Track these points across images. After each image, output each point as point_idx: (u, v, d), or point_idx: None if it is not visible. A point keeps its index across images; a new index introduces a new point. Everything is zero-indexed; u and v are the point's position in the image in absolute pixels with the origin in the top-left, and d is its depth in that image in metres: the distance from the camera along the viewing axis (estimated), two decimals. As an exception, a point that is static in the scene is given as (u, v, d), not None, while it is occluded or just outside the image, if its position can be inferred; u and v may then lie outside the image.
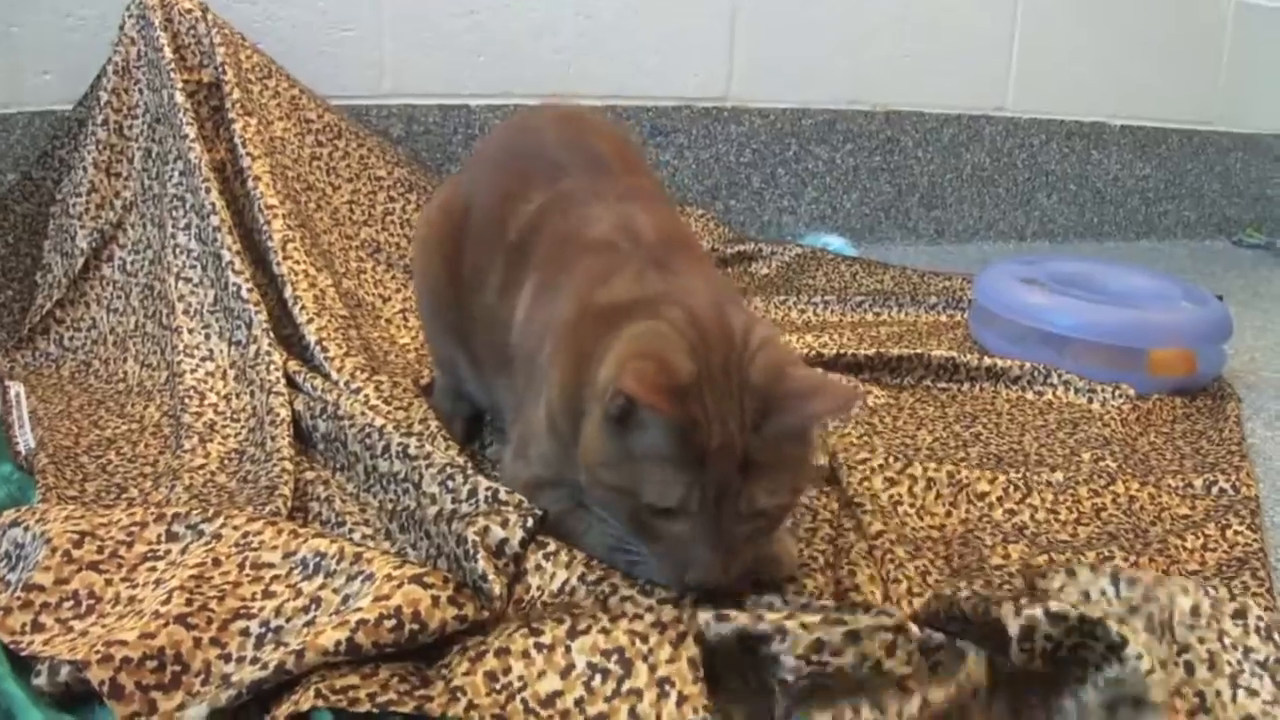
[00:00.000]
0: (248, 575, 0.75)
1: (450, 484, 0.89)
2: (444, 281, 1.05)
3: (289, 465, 0.97)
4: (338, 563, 0.76)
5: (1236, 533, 1.00)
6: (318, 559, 0.76)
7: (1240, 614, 0.75)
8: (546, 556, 0.81)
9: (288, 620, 0.72)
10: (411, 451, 0.93)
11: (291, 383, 1.11)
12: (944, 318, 1.68)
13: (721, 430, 0.74)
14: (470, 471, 0.91)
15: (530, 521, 0.83)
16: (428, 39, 1.82)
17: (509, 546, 0.81)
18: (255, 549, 0.77)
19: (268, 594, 0.74)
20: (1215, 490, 1.11)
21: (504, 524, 0.81)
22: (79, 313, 1.33)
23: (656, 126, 2.03)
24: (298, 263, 1.26)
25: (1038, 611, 0.69)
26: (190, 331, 1.22)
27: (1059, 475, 1.08)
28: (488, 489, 0.88)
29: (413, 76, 1.83)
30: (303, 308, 1.21)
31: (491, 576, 0.77)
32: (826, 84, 2.15)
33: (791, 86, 2.12)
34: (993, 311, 1.49)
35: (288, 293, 1.22)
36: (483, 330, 1.00)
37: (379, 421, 0.99)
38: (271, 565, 0.76)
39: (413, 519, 0.88)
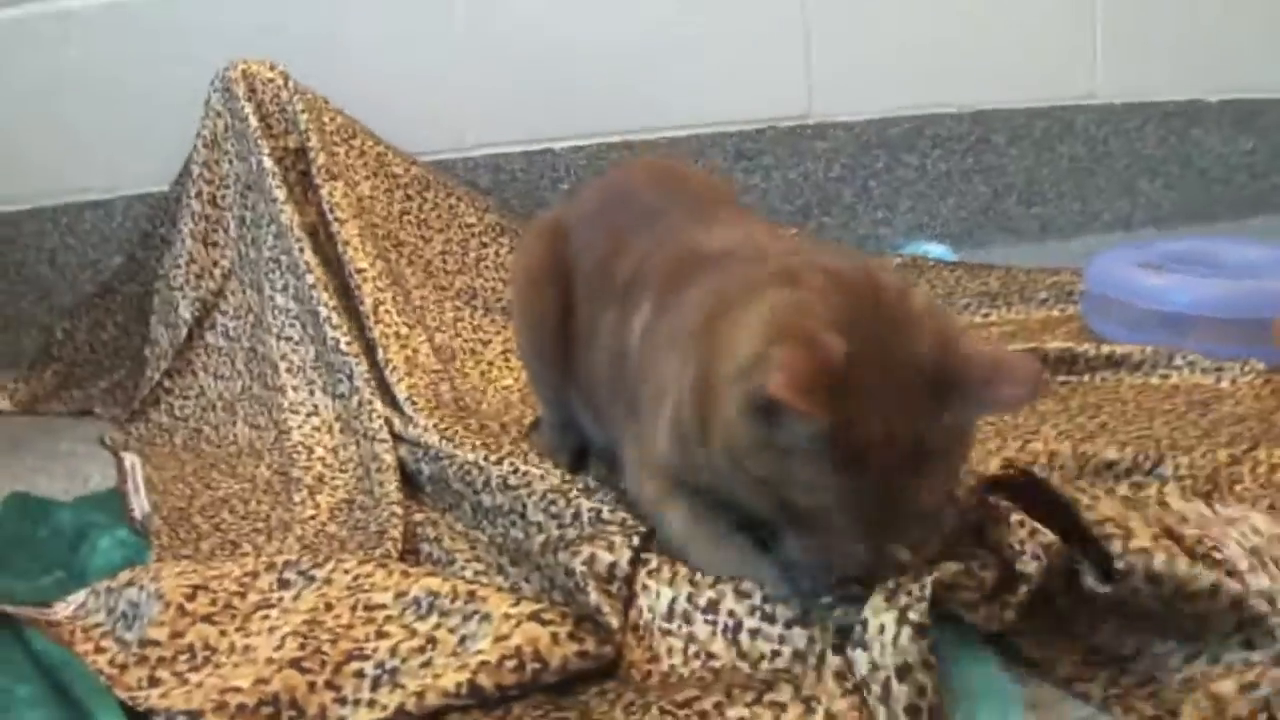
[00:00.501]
0: (360, 617, 0.74)
1: (554, 509, 0.88)
2: (549, 315, 1.03)
3: (398, 510, 0.97)
4: (451, 602, 0.74)
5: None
6: (431, 598, 0.75)
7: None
8: (650, 574, 0.78)
9: (403, 661, 0.71)
10: (512, 482, 0.92)
11: (393, 433, 1.11)
12: (1055, 312, 1.61)
13: (884, 423, 0.64)
14: (573, 494, 0.89)
15: (636, 539, 0.80)
16: (505, 86, 1.84)
17: (618, 570, 0.78)
18: (367, 590, 0.76)
19: (381, 635, 0.73)
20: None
21: (610, 547, 0.79)
22: (187, 381, 1.36)
23: (741, 151, 2.01)
24: (389, 325, 1.28)
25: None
26: (294, 389, 1.24)
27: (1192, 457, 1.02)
28: (590, 510, 0.86)
29: (494, 126, 1.85)
30: (394, 368, 1.21)
31: (606, 608, 0.75)
32: (908, 90, 2.11)
33: (873, 97, 2.09)
34: (1107, 298, 1.42)
35: (379, 356, 1.23)
36: (598, 365, 0.98)
37: (473, 457, 0.98)
38: (384, 606, 0.75)
39: (522, 551, 0.86)
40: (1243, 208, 2.40)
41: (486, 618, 0.71)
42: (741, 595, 0.76)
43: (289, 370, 1.26)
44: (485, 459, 0.97)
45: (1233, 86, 2.33)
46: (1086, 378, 1.31)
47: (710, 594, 0.77)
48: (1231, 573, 0.71)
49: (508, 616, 0.70)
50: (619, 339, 0.92)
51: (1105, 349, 1.31)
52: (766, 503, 0.71)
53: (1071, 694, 0.72)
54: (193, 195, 1.45)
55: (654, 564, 0.79)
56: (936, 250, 2.00)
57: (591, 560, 0.78)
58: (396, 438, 1.10)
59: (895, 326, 0.69)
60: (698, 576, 0.78)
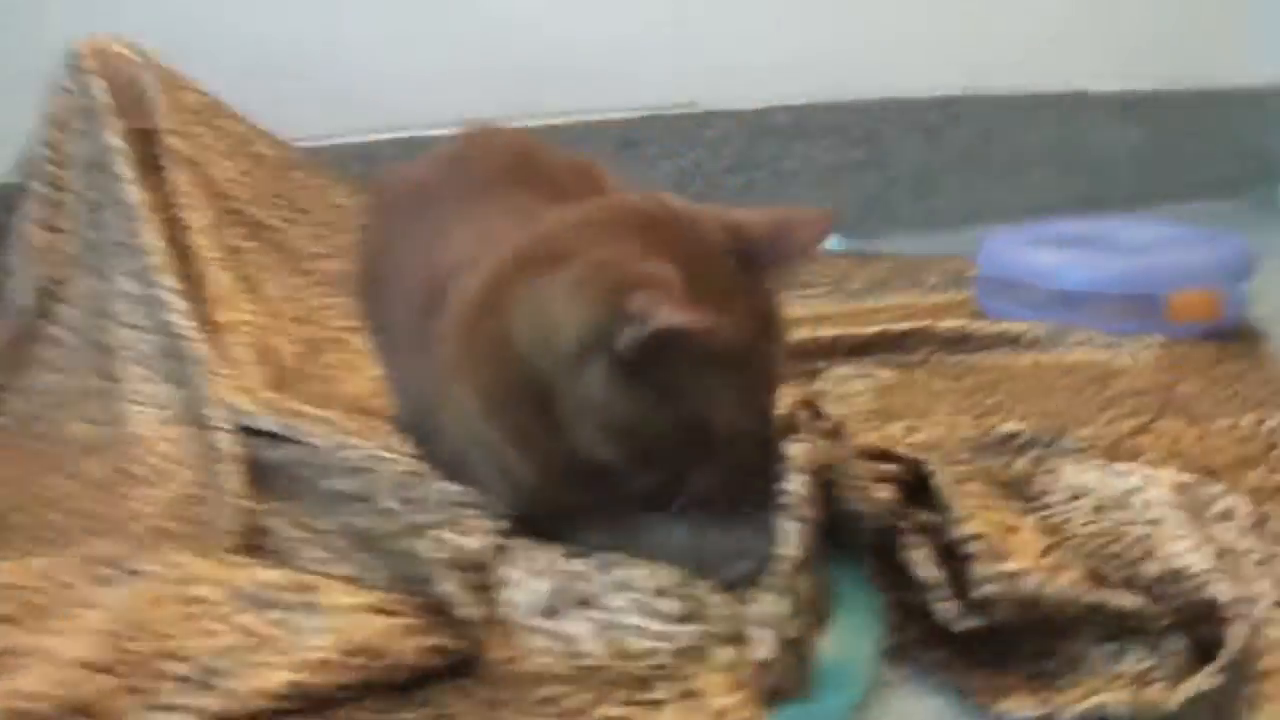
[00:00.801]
0: (180, 613, 0.65)
1: (406, 494, 0.80)
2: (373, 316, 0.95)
3: (240, 502, 0.87)
4: (283, 594, 0.66)
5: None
6: (260, 591, 0.66)
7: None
8: (515, 564, 0.71)
9: (226, 660, 0.62)
10: (362, 466, 0.84)
11: (240, 423, 1.02)
12: (947, 296, 1.58)
13: (747, 314, 0.67)
14: (429, 478, 0.81)
15: (498, 525, 0.73)
16: (377, 67, 1.75)
17: (477, 557, 0.71)
18: (190, 584, 0.67)
19: (203, 632, 0.64)
20: (1265, 429, 1.00)
21: (467, 533, 0.71)
22: (23, 377, 1.24)
23: (627, 139, 1.95)
24: (238, 313, 1.19)
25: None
26: (136, 379, 1.13)
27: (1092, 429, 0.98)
28: (445, 494, 0.78)
29: (370, 111, 1.75)
30: (237, 359, 1.13)
31: (463, 599, 0.67)
32: (797, 78, 2.07)
33: (761, 84, 2.04)
34: (1000, 279, 1.39)
35: (225, 342, 1.14)
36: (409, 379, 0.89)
37: (321, 443, 0.90)
38: (207, 600, 0.66)
39: (370, 539, 0.78)
40: (1132, 200, 2.42)
41: (323, 610, 0.63)
42: (622, 588, 0.69)
43: (132, 360, 1.15)
44: (336, 444, 0.89)
45: (1119, 76, 2.35)
46: (980, 356, 1.27)
47: (584, 586, 0.70)
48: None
49: (347, 608, 0.63)
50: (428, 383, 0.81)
51: (999, 327, 1.28)
52: (651, 464, 0.67)
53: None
54: (35, 178, 1.33)
55: (520, 553, 0.72)
56: (826, 241, 1.96)
57: (446, 546, 0.70)
58: (244, 428, 1.00)
59: (687, 235, 0.69)
60: (572, 565, 0.71)
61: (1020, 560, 0.66)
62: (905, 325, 1.31)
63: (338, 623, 0.62)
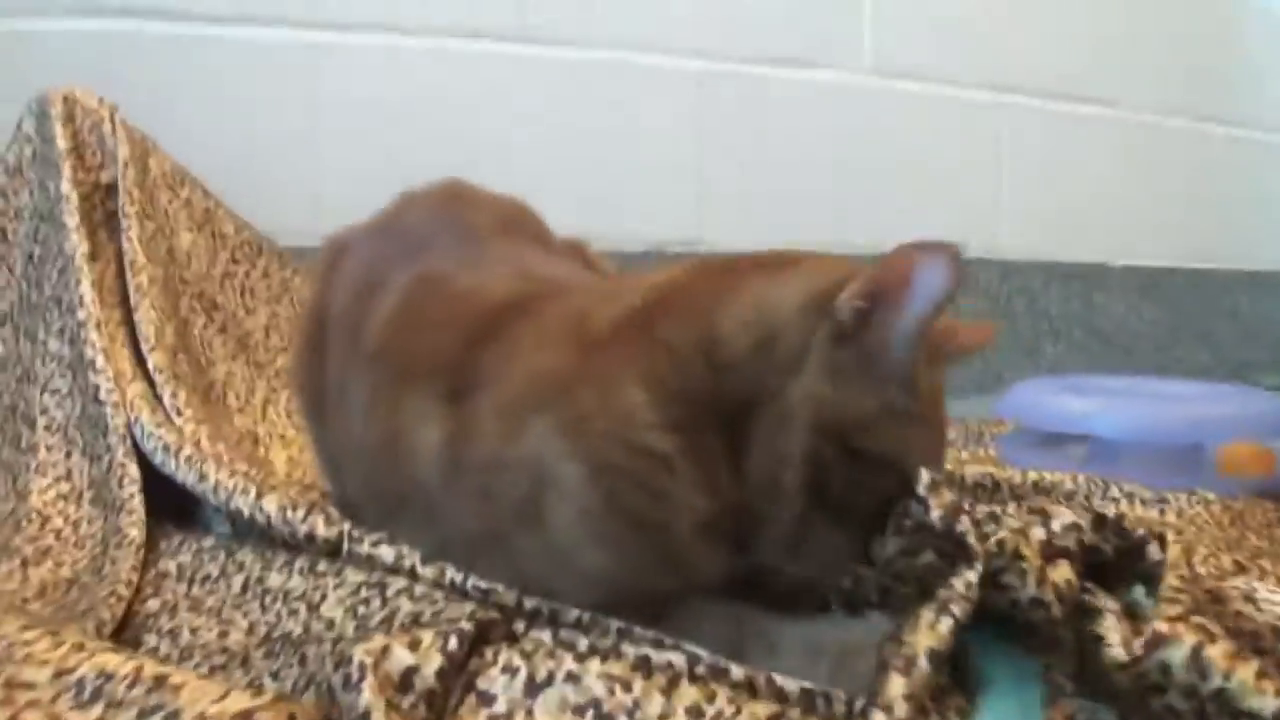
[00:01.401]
0: (-7, 697, 0.49)
1: (362, 608, 0.64)
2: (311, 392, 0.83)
3: (122, 590, 0.71)
4: (129, 688, 0.50)
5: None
6: (101, 681, 0.50)
7: None
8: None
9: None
10: (320, 567, 0.68)
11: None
12: (967, 454, 1.44)
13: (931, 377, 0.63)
14: (392, 594, 0.65)
15: (454, 642, 0.57)
16: (367, 174, 1.64)
17: (419, 678, 0.55)
18: (18, 663, 0.51)
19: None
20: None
21: (413, 645, 0.55)
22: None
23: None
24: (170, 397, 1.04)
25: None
26: (49, 449, 0.99)
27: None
28: (410, 614, 0.62)
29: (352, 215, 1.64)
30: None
31: (377, 716, 0.51)
32: (806, 225, 1.98)
33: (766, 228, 1.95)
34: (1027, 427, 1.26)
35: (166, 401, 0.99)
36: (354, 462, 0.76)
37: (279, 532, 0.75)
38: (33, 685, 0.49)
39: (289, 642, 0.62)
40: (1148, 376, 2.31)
41: (174, 714, 0.47)
42: None
43: (47, 428, 1.00)
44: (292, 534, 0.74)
45: (1137, 253, 2.28)
46: (1011, 508, 1.12)
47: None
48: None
49: (203, 716, 0.46)
50: (376, 434, 0.70)
51: (1032, 475, 1.13)
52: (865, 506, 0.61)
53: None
54: (-20, 227, 1.21)
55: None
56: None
57: (384, 654, 0.54)
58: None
59: None
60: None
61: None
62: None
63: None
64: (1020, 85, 2.06)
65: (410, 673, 0.54)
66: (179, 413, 0.96)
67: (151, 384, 1.00)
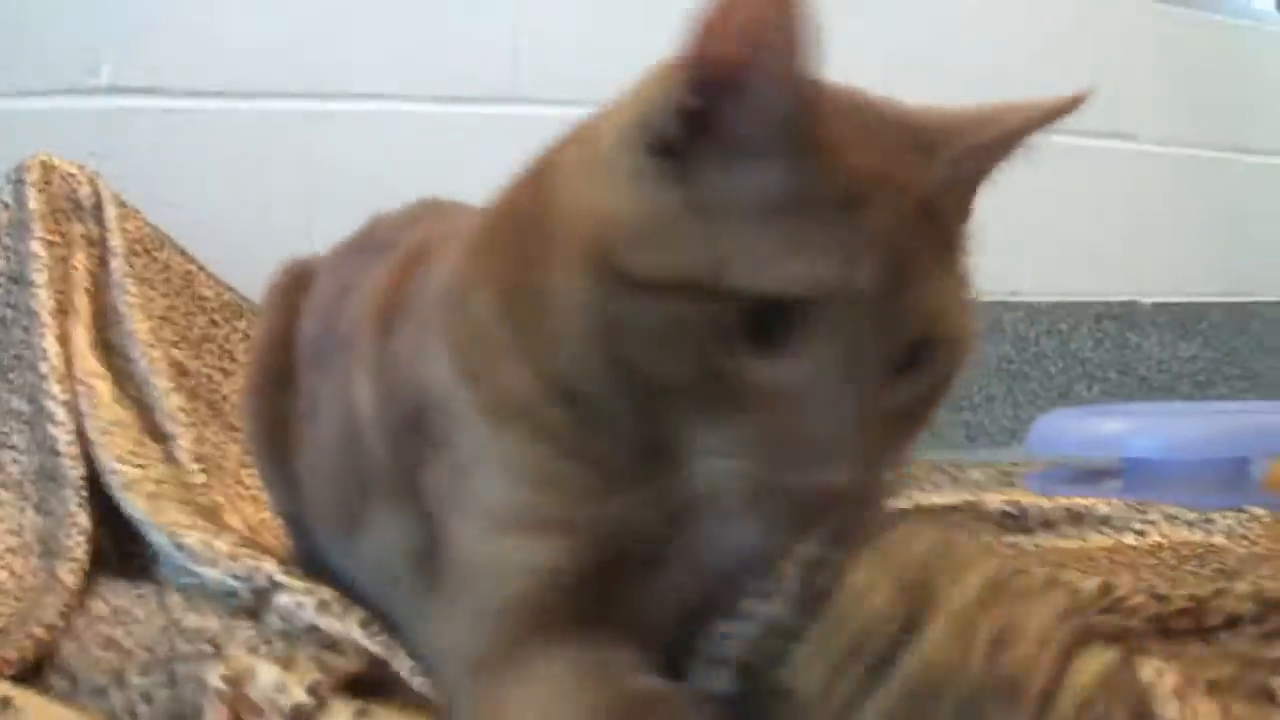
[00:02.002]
0: None
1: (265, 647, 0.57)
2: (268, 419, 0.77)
3: (39, 632, 0.65)
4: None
5: None
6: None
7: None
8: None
9: None
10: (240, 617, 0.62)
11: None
12: (993, 493, 1.35)
13: (880, 155, 0.42)
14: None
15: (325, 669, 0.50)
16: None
17: (284, 701, 0.47)
18: None
19: None
20: None
21: (286, 665, 0.48)
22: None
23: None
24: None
25: None
26: (2, 504, 0.94)
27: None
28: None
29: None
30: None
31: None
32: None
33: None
34: (1059, 453, 1.17)
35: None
36: (319, 454, 0.69)
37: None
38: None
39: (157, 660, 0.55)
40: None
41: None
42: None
43: (3, 484, 0.96)
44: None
45: (1169, 290, 2.19)
46: (1042, 537, 1.03)
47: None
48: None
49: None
50: (344, 416, 0.63)
51: (1062, 501, 1.05)
52: (680, 355, 0.42)
53: None
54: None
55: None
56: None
57: (242, 676, 0.46)
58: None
59: None
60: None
61: None
62: (947, 500, 1.09)
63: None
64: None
65: (276, 690, 0.48)
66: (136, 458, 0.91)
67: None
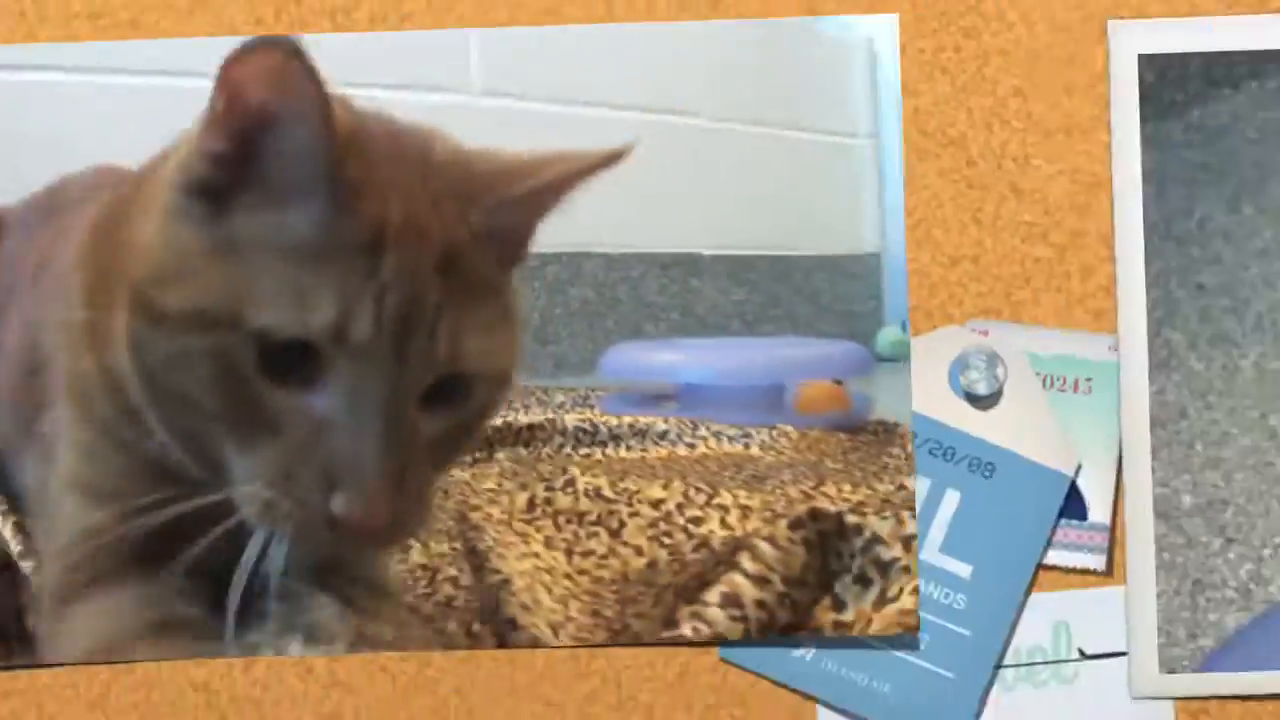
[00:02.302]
0: None
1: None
2: None
3: None
4: None
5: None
6: None
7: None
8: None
9: None
10: None
11: None
12: (572, 414, 1.49)
13: (404, 203, 0.45)
14: None
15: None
16: None
17: None
18: None
19: None
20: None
21: None
22: None
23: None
24: None
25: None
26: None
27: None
28: None
29: None
30: None
31: None
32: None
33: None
34: (628, 379, 1.33)
35: None
36: None
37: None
38: None
39: None
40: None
41: None
42: None
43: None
44: None
45: (725, 244, 2.45)
46: (610, 449, 1.19)
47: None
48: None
49: None
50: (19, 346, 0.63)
51: (628, 420, 1.21)
52: (210, 381, 0.47)
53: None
54: None
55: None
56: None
57: None
58: None
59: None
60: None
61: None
62: (530, 419, 1.21)
63: None
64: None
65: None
66: None
67: None
